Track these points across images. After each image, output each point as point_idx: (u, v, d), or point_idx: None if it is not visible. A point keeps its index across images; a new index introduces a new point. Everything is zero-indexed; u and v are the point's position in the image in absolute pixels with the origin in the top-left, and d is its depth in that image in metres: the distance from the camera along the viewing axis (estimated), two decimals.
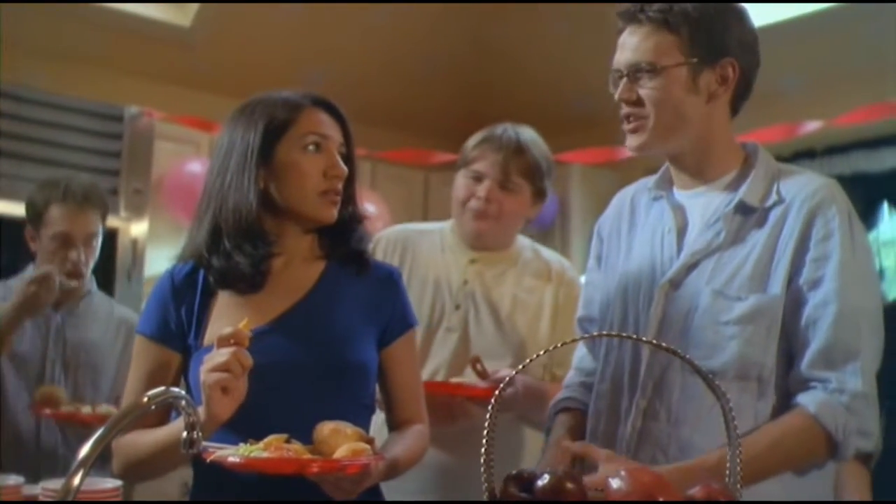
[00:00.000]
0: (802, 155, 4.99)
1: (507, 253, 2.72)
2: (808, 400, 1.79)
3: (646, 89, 1.94)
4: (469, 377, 2.50)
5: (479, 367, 2.43)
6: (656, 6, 1.93)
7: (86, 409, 2.83)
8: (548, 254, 2.81)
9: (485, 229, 2.62)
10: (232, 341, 1.72)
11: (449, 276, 2.65)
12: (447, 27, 5.69)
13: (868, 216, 4.86)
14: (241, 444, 1.69)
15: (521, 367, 1.52)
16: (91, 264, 3.05)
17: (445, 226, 2.78)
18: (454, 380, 2.50)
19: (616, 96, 1.98)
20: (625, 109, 1.98)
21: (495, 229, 2.64)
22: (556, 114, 5.70)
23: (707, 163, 2.01)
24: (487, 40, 5.85)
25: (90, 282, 3.17)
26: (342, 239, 2.06)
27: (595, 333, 2.12)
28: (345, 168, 1.99)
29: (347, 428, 1.74)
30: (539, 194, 2.66)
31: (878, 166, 4.94)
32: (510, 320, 2.63)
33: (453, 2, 5.46)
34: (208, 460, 1.69)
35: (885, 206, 5.01)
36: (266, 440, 1.69)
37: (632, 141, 2.00)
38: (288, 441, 1.70)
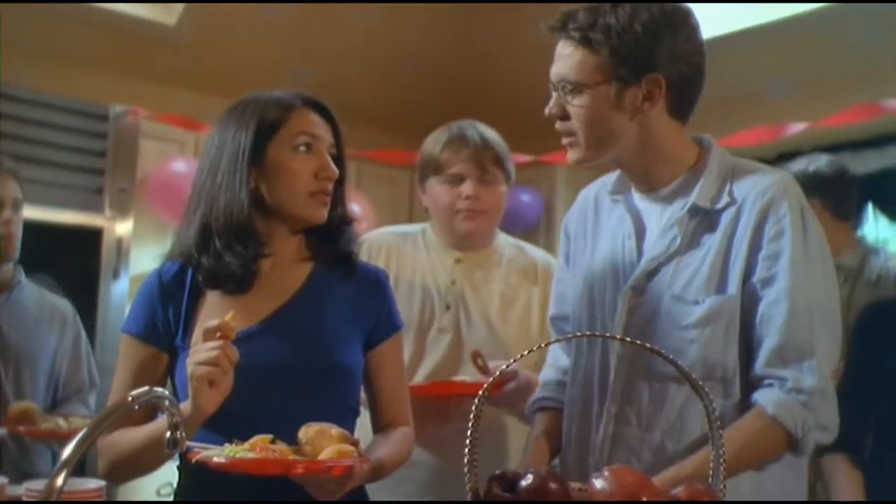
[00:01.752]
0: (788, 156, 4.98)
1: (491, 250, 2.74)
2: (766, 400, 1.81)
3: (572, 106, 1.93)
4: (466, 376, 2.50)
5: (479, 361, 2.43)
6: (579, 23, 1.90)
7: (61, 423, 2.80)
8: (532, 251, 2.82)
9: (478, 227, 2.65)
10: (218, 334, 1.73)
11: (436, 278, 2.65)
12: (433, 27, 5.69)
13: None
14: (227, 445, 1.69)
15: (512, 361, 1.53)
16: (19, 235, 3.01)
17: (425, 226, 2.79)
18: (453, 378, 2.50)
19: (545, 111, 1.98)
20: (557, 124, 1.98)
21: (486, 224, 2.67)
22: (541, 114, 5.70)
23: (653, 170, 1.99)
24: (473, 40, 5.85)
25: (19, 272, 3.12)
26: (330, 240, 2.05)
27: (570, 332, 2.13)
28: (335, 169, 1.99)
29: (332, 429, 1.74)
30: (508, 179, 2.70)
31: (864, 168, 4.95)
32: (501, 318, 2.64)
33: (439, 1, 5.46)
34: (193, 461, 1.68)
35: (870, 207, 5.03)
36: (251, 441, 1.69)
37: (569, 156, 2.00)
38: (273, 442, 1.70)
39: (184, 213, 2.02)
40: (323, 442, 1.71)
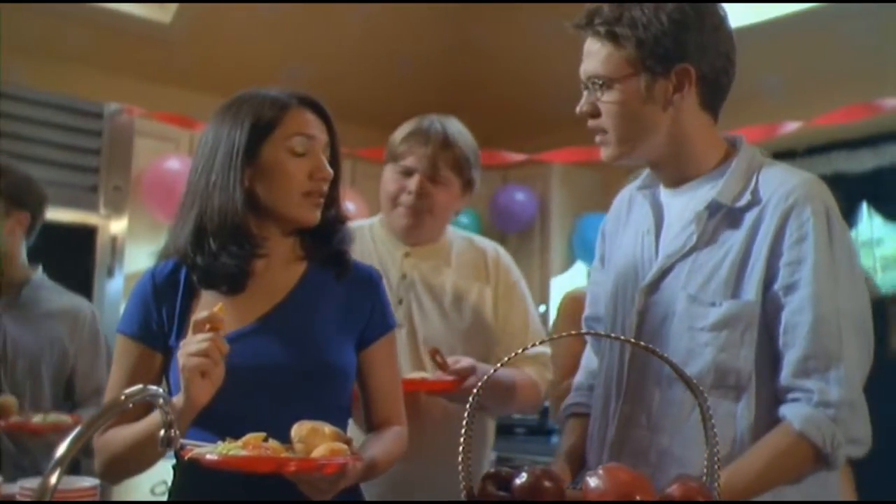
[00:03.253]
0: (783, 155, 4.99)
1: (440, 244, 2.72)
2: (792, 415, 1.76)
3: (602, 102, 1.92)
4: (425, 373, 2.51)
5: (438, 358, 2.42)
6: (604, 17, 1.90)
7: (37, 418, 2.79)
8: (480, 241, 2.81)
9: (416, 224, 2.62)
10: (208, 326, 1.73)
11: (386, 272, 2.62)
12: (428, 25, 5.69)
13: (848, 216, 4.89)
14: (220, 443, 1.69)
15: (499, 365, 1.52)
16: None
17: (374, 221, 2.78)
18: (413, 375, 2.49)
19: (577, 109, 1.97)
20: (589, 122, 1.97)
21: (427, 223, 2.63)
22: (536, 112, 5.70)
23: (683, 164, 1.98)
24: (468, 39, 5.86)
25: (33, 270, 3.13)
26: (324, 241, 2.05)
27: (602, 332, 2.12)
28: (330, 170, 1.98)
29: (325, 427, 1.74)
30: (467, 186, 2.67)
31: (858, 167, 4.98)
32: (454, 309, 2.63)
33: (434, 1, 5.46)
34: (186, 458, 1.68)
35: (864, 206, 5.04)
36: (244, 438, 1.69)
37: (602, 154, 1.99)
38: (266, 440, 1.70)
39: (178, 211, 2.01)
40: (316, 440, 1.71)
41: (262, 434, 1.70)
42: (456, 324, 2.62)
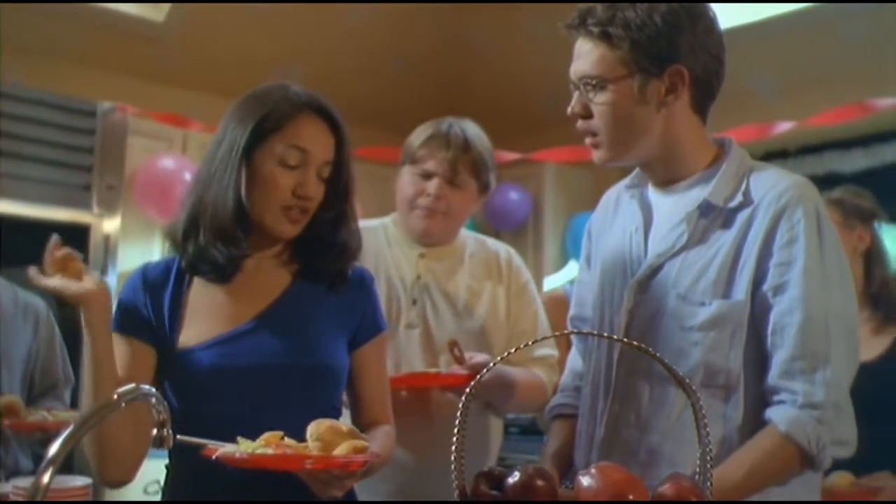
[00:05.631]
0: (775, 155, 5.02)
1: (454, 246, 2.74)
2: (778, 417, 1.77)
3: (594, 103, 1.91)
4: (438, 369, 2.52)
5: (456, 351, 2.44)
6: (598, 18, 1.89)
7: (44, 415, 2.79)
8: (492, 243, 2.83)
9: (434, 226, 2.65)
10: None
11: (401, 273, 2.66)
12: (423, 24, 5.68)
13: None
14: (240, 440, 1.69)
15: (499, 358, 1.51)
16: None
17: (387, 221, 2.79)
18: (427, 370, 2.51)
19: (568, 110, 1.97)
20: (579, 123, 1.96)
21: (444, 225, 2.66)
22: (530, 112, 5.70)
23: (674, 165, 1.98)
24: (463, 39, 5.85)
25: None
26: (314, 256, 2.04)
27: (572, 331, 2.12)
28: (315, 193, 1.96)
29: (342, 426, 1.74)
30: (484, 189, 2.70)
31: (851, 167, 4.98)
32: (468, 310, 2.65)
33: (429, 1, 5.46)
34: (213, 457, 1.67)
35: None
36: (264, 437, 1.69)
37: (594, 156, 1.99)
38: (282, 439, 1.70)
39: (183, 196, 2.03)
40: (335, 438, 1.71)
41: (280, 433, 1.70)
42: (468, 325, 2.63)
